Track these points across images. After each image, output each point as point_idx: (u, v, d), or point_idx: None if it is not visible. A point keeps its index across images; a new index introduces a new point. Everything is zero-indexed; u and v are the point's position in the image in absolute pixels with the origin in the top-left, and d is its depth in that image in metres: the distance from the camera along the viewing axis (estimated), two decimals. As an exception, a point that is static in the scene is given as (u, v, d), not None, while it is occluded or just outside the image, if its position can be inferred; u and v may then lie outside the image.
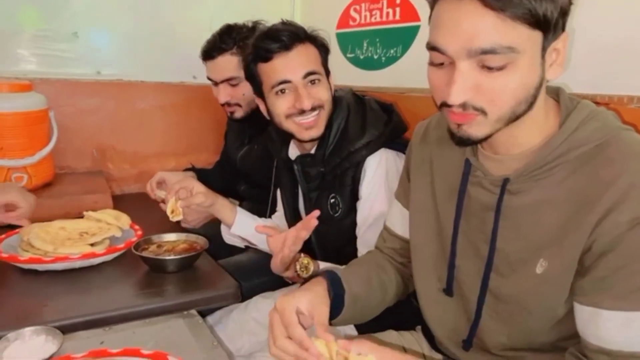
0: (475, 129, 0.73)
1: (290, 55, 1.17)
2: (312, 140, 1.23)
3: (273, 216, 1.52)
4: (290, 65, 1.17)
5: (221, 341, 1.03)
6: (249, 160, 1.74)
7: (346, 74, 1.77)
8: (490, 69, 0.67)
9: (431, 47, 0.71)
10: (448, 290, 0.90)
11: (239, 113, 1.62)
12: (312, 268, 1.16)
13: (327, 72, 1.26)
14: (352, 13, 1.78)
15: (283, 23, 1.22)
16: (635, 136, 0.74)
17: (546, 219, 0.75)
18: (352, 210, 1.23)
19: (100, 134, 1.97)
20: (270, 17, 1.38)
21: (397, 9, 1.59)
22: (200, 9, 2.04)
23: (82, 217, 1.39)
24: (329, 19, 1.88)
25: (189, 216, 1.45)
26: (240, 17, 1.66)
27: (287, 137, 1.28)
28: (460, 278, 0.88)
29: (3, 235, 1.26)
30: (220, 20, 1.65)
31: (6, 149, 1.57)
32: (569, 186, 0.73)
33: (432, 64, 0.73)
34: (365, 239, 1.22)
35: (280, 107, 1.20)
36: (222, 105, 1.64)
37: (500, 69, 0.67)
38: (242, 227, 1.37)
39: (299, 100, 1.17)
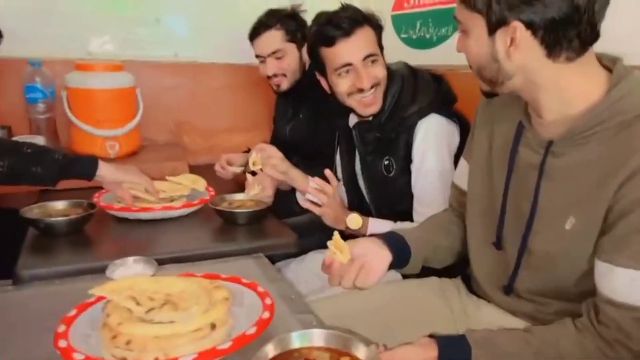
0: (482, 86, 0.93)
1: (351, 40, 1.30)
2: (371, 115, 1.37)
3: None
4: (351, 49, 1.30)
5: (284, 277, 1.19)
6: (297, 131, 1.90)
7: (400, 54, 1.86)
8: (463, 33, 0.89)
9: None
10: (498, 244, 0.99)
11: (284, 84, 1.81)
12: (360, 222, 1.32)
13: (382, 49, 1.38)
14: (408, -5, 1.88)
15: (343, 9, 1.35)
16: None
17: (581, 180, 0.83)
18: (404, 171, 1.36)
19: (178, 110, 2.22)
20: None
21: (450, -10, 1.68)
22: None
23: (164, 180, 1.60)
24: (385, 2, 1.99)
25: (266, 188, 1.59)
26: (305, 1, 1.81)
27: (347, 108, 1.42)
28: (505, 232, 0.97)
29: (103, 191, 1.49)
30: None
31: (102, 120, 1.82)
32: (605, 150, 0.80)
33: None
34: (419, 197, 1.35)
35: (342, 86, 1.34)
36: (269, 77, 1.82)
37: (463, 32, 0.88)
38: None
39: (359, 80, 1.31)
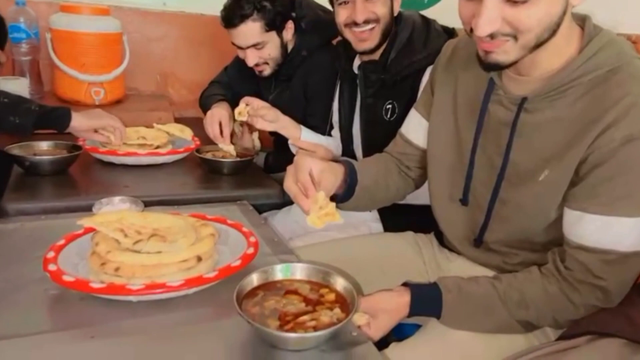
0: (503, 56, 0.81)
1: None
2: (364, 52, 1.37)
3: (332, 132, 1.66)
4: None
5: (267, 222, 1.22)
6: (280, 102, 1.77)
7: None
8: (515, 2, 0.75)
9: None
10: (464, 200, 1.02)
11: (267, 71, 1.70)
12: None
13: None
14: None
15: None
16: None
17: (555, 135, 0.85)
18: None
19: (164, 61, 2.18)
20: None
21: (445, -47, 1.68)
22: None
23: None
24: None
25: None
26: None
27: (352, 51, 1.43)
28: (474, 186, 1.00)
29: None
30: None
31: (87, 65, 1.80)
32: (579, 106, 0.83)
33: None
34: None
35: (340, 17, 1.36)
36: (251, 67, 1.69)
37: (524, 2, 0.75)
38: (309, 139, 1.55)
39: (354, 13, 1.32)
